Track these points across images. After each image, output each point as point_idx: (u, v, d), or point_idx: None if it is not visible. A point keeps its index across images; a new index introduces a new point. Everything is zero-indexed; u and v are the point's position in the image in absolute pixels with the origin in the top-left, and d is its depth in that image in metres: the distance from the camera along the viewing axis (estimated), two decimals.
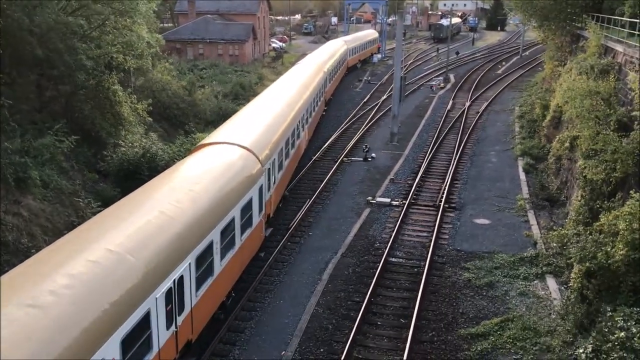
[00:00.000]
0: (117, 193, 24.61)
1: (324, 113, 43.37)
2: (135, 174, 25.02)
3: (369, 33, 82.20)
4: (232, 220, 16.35)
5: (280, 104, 26.80)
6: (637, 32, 22.76)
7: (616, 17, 27.53)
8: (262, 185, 19.33)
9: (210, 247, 14.68)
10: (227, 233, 16.03)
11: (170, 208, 13.83)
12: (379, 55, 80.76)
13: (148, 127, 33.86)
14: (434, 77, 62.89)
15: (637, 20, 23.54)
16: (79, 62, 26.46)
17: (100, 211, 15.14)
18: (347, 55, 63.05)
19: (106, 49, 29.13)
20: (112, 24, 29.00)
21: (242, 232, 17.41)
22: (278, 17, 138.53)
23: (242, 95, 50.84)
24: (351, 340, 15.83)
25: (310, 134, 34.27)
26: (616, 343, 12.33)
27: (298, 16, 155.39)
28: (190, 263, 13.40)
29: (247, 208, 17.71)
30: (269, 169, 20.67)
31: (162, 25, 77.28)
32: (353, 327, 16.46)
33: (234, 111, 32.88)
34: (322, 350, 15.90)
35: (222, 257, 15.71)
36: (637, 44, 21.84)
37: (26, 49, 25.13)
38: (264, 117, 24.09)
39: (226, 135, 20.79)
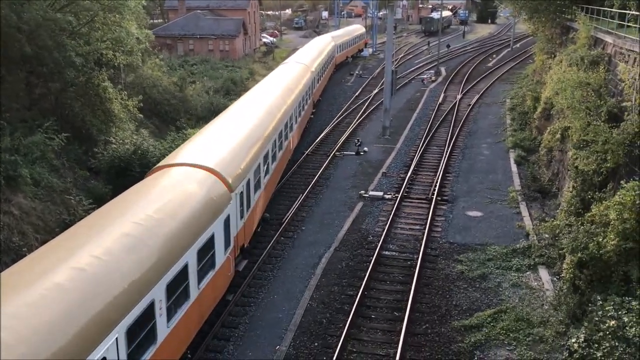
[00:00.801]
0: (108, 190, 24.52)
1: (312, 116, 40.57)
2: (127, 171, 24.92)
3: (356, 28, 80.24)
4: (185, 267, 13.14)
5: (260, 112, 23.90)
6: (626, 24, 22.84)
7: (605, 9, 27.61)
8: (229, 215, 16.42)
9: (149, 309, 11.35)
10: (177, 286, 12.76)
11: (92, 262, 10.62)
12: (370, 50, 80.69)
13: (139, 123, 33.71)
14: (425, 70, 62.89)
15: (627, 12, 23.63)
16: (69, 58, 26.28)
17: (93, 209, 14.99)
18: (335, 52, 60.95)
19: (95, 46, 28.93)
20: (101, 20, 28.79)
21: (200, 279, 14.28)
22: (268, 12, 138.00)
23: (233, 90, 50.70)
24: (345, 334, 15.87)
25: (296, 142, 31.65)
26: (607, 332, 12.42)
27: (289, 11, 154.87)
28: (117, 338, 10.05)
29: (207, 247, 14.60)
30: (242, 192, 17.89)
31: (152, 21, 77.12)
32: (347, 320, 16.50)
33: (226, 106, 32.68)
34: (316, 344, 15.93)
35: (170, 318, 12.45)
36: (627, 35, 21.94)
37: (15, 46, 24.94)
38: (239, 129, 21.12)
39: (189, 154, 17.73)
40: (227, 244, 16.35)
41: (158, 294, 11.70)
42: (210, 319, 15.93)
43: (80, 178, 25.98)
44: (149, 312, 11.33)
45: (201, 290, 14.32)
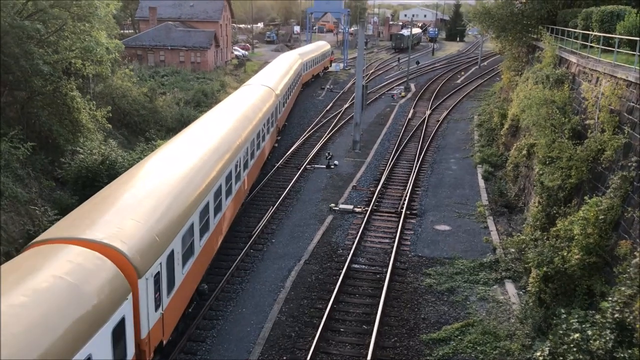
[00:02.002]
0: (74, 201, 24.05)
1: (276, 144, 36.53)
2: (94, 182, 24.50)
3: (322, 44, 77.11)
4: None
5: (204, 151, 19.29)
6: (589, 44, 23.53)
7: (570, 29, 28.42)
8: (124, 316, 11.31)
9: None
10: None
11: None
12: (341, 64, 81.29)
13: (107, 134, 33.28)
14: (395, 86, 63.64)
15: (589, 32, 24.35)
16: (36, 67, 25.82)
17: (59, 220, 14.39)
18: (303, 70, 57.45)
19: (64, 54, 28.51)
20: (70, 28, 28.42)
21: None
22: (241, 25, 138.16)
23: (204, 102, 50.46)
24: (314, 348, 15.81)
25: (253, 179, 27.02)
26: (572, 345, 12.64)
27: (261, 24, 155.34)
28: None
29: None
30: (158, 272, 13.00)
31: (122, 31, 76.30)
32: (316, 334, 16.45)
33: (195, 118, 32.40)
34: (285, 358, 15.83)
35: None
36: (590, 55, 22.59)
37: None
38: (169, 176, 16.34)
39: (78, 222, 12.78)
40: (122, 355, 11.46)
41: None
42: (176, 333, 15.65)
43: (46, 188, 25.46)
44: None
45: None
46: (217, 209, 19.22)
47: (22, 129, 26.10)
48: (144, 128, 39.37)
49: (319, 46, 73.12)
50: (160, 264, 13.21)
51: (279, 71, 43.15)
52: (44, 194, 24.95)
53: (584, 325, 12.91)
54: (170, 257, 14.05)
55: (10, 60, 25.24)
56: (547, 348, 13.28)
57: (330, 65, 78.72)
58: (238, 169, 22.62)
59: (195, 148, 19.33)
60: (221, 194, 19.73)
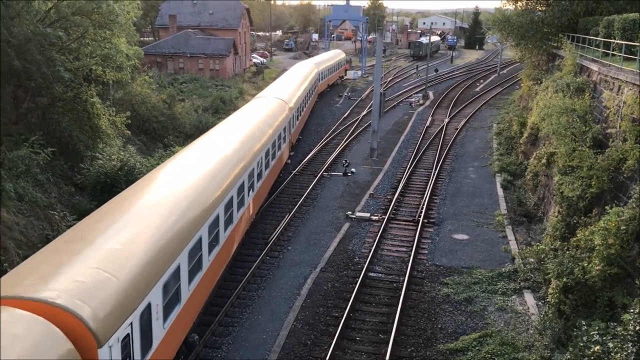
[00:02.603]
0: (93, 206, 24.23)
1: (289, 161, 33.87)
2: (113, 187, 24.69)
3: (337, 53, 75.20)
4: None
5: (198, 177, 16.55)
6: (611, 52, 23.25)
7: (591, 37, 28.12)
8: None
9: None
10: None
11: None
12: (360, 72, 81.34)
13: (126, 140, 33.56)
14: (413, 93, 63.50)
15: (611, 40, 24.06)
16: (57, 73, 26.16)
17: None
18: (319, 80, 54.98)
19: (85, 61, 28.86)
20: (91, 35, 28.77)
21: None
22: (259, 33, 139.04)
23: (222, 109, 50.75)
24: (330, 356, 15.70)
25: (259, 202, 24.40)
26: (592, 358, 12.40)
27: (279, 32, 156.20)
28: None
29: None
30: (127, 335, 10.48)
31: (143, 38, 77.25)
32: (332, 342, 16.34)
33: (214, 124, 32.53)
34: None
35: None
36: (611, 64, 22.31)
37: (3, 61, 24.81)
38: (155, 210, 13.66)
39: (29, 273, 10.30)
40: None
41: None
42: (192, 339, 15.56)
43: (65, 193, 25.72)
44: None
45: None
46: (213, 243, 16.33)
47: (43, 134, 26.42)
48: (162, 134, 39.69)
49: (334, 54, 71.71)
50: (132, 323, 10.53)
51: (293, 82, 40.98)
52: (63, 199, 25.20)
53: (604, 338, 12.67)
54: (147, 312, 11.31)
55: (33, 67, 25.60)
56: None
57: (345, 74, 77.65)
58: (241, 194, 20.00)
59: (191, 172, 16.78)
60: (219, 225, 16.79)
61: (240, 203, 20.03)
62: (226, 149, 20.17)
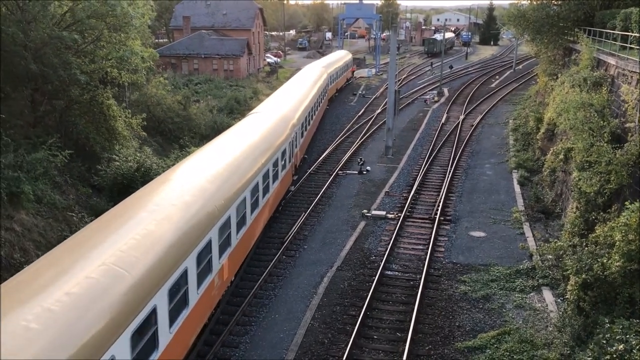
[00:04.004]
0: (110, 207, 24.44)
1: (292, 188, 28.89)
2: (130, 188, 24.85)
3: (344, 54, 69.75)
4: None
5: (178, 218, 13.46)
6: (629, 45, 22.94)
7: (608, 31, 27.77)
8: None
9: None
10: None
11: None
12: (374, 70, 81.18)
13: (142, 141, 33.82)
14: (428, 91, 63.22)
15: (629, 34, 23.74)
16: (73, 76, 26.43)
17: None
18: (329, 84, 50.18)
19: (100, 64, 29.13)
20: (106, 38, 29.02)
21: None
22: (273, 33, 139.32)
23: (237, 109, 50.97)
24: (347, 355, 15.67)
25: (249, 246, 19.77)
26: (615, 355, 12.24)
27: (293, 32, 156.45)
28: None
29: None
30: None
31: (157, 40, 77.80)
32: (349, 341, 16.31)
33: (229, 125, 32.55)
34: None
35: None
36: (629, 57, 22.01)
37: (20, 64, 25.12)
38: (114, 243, 11.42)
39: None
40: None
41: None
42: (210, 338, 15.59)
43: (82, 195, 25.97)
44: None
45: None
46: (180, 310, 12.77)
47: (60, 137, 26.71)
48: (178, 135, 39.93)
49: (342, 55, 67.22)
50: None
51: (299, 90, 35.90)
52: (80, 200, 25.44)
53: (628, 335, 12.50)
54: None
55: (49, 70, 25.89)
56: (589, 358, 12.90)
57: (353, 76, 74.08)
58: (227, 231, 16.38)
59: (172, 213, 13.54)
60: (186, 286, 13.04)
61: (226, 244, 16.34)
62: (211, 184, 16.11)
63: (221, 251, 15.83)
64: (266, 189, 21.60)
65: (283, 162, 24.79)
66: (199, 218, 14.22)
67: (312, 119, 36.69)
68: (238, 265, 18.52)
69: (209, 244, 14.61)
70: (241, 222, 18.06)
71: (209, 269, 14.90)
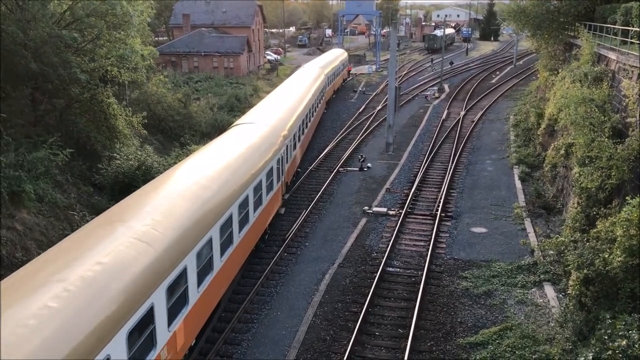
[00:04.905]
0: (111, 206, 24.45)
1: (282, 209, 25.83)
2: (131, 187, 24.86)
3: (339, 52, 66.20)
4: None
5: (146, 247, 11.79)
6: (629, 40, 22.88)
7: (608, 25, 27.70)
8: None
9: None
10: None
11: None
12: (374, 66, 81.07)
13: (143, 139, 33.82)
14: (429, 87, 63.11)
15: (630, 28, 23.68)
16: (73, 75, 26.42)
17: None
18: (326, 86, 47.65)
19: (100, 62, 29.11)
20: (105, 37, 28.99)
21: None
22: (272, 30, 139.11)
23: (237, 107, 50.91)
24: (349, 351, 15.69)
25: (232, 274, 17.48)
26: (617, 351, 12.22)
27: (292, 28, 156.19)
28: None
29: None
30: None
31: (157, 38, 77.63)
32: (351, 338, 16.33)
33: (230, 123, 32.46)
34: None
35: None
36: (630, 52, 21.96)
37: (20, 63, 25.11)
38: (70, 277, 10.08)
39: None
40: None
41: None
42: (212, 335, 15.58)
43: (84, 194, 25.98)
44: None
45: None
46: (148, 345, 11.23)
47: (61, 135, 26.70)
48: (178, 133, 39.92)
49: (337, 54, 63.37)
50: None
51: (293, 94, 32.96)
52: (82, 199, 25.45)
53: (630, 331, 12.49)
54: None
55: (49, 69, 25.87)
56: (591, 353, 12.87)
57: (348, 76, 71.70)
58: (205, 259, 14.36)
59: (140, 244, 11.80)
60: (152, 322, 11.29)
61: (203, 272, 14.32)
62: (186, 212, 13.87)
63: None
64: (244, 221, 17.93)
65: (269, 182, 21.37)
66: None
67: (306, 127, 33.26)
68: (227, 283, 16.48)
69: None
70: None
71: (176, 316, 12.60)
